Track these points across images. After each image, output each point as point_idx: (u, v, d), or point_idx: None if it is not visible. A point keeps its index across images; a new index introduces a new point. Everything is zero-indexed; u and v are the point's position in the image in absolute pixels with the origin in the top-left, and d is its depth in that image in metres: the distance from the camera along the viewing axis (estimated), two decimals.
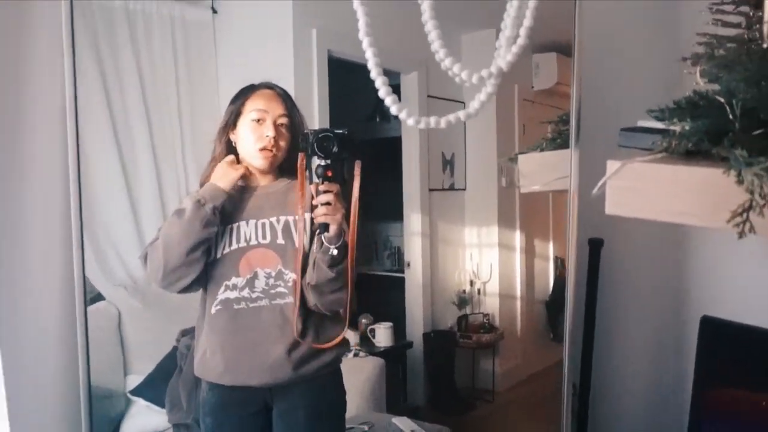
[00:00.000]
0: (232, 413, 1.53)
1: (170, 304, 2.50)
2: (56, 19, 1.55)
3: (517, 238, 3.11)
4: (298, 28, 2.61)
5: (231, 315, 1.48)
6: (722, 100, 0.86)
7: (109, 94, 2.35)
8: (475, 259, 3.14)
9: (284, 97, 1.54)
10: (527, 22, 1.05)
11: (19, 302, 1.60)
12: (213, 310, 1.49)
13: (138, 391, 2.19)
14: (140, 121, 2.44)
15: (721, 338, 1.13)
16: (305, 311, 1.48)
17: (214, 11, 2.60)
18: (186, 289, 1.52)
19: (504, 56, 1.07)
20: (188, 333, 2.36)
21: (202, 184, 1.57)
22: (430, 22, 1.02)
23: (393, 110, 1.08)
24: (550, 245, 3.14)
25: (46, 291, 1.65)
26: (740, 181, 0.77)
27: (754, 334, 1.08)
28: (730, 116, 0.85)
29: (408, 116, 1.07)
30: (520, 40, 1.04)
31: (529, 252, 3.11)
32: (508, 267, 3.10)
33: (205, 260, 1.48)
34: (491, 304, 3.08)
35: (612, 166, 0.89)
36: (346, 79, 2.74)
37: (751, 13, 0.98)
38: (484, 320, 3.05)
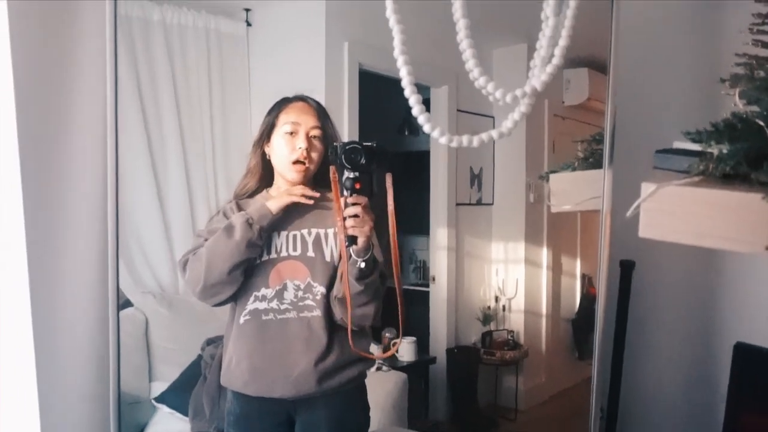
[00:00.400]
0: (255, 425, 1.53)
1: (196, 313, 2.52)
2: (100, 32, 1.57)
3: (544, 254, 3.08)
4: (331, 41, 2.63)
5: (259, 325, 1.47)
6: (761, 123, 0.85)
7: (144, 105, 2.39)
8: (501, 275, 3.12)
9: (317, 109, 1.54)
10: (563, 41, 1.04)
11: (54, 308, 1.63)
12: (242, 320, 1.49)
13: (162, 398, 2.21)
14: (173, 132, 2.49)
15: (755, 365, 1.10)
16: (332, 324, 1.47)
17: (248, 24, 2.64)
18: (221, 303, 1.53)
19: (538, 76, 1.07)
20: (213, 342, 2.38)
21: (236, 196, 1.58)
22: (466, 41, 1.02)
23: (426, 129, 1.08)
24: (578, 263, 3.10)
25: (80, 297, 1.67)
26: None
27: None
28: None
29: (441, 134, 1.07)
30: (555, 60, 1.03)
31: (556, 269, 3.08)
32: (534, 284, 3.07)
33: (243, 277, 1.49)
34: (516, 321, 3.05)
35: (647, 188, 0.88)
36: (376, 92, 2.75)
37: None
38: (509, 337, 3.02)
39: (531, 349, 3.03)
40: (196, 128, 2.57)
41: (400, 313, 1.41)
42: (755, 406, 1.11)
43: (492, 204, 3.22)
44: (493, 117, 3.27)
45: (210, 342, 2.34)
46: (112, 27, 1.45)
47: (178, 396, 2.22)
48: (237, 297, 1.51)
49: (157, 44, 2.42)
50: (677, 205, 0.87)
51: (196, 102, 2.59)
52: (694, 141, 0.93)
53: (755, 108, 0.92)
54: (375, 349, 2.51)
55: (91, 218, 1.68)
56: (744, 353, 1.11)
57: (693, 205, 0.85)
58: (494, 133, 1.12)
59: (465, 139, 1.10)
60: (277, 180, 1.55)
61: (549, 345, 3.08)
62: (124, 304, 2.32)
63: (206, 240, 1.49)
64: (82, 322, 1.68)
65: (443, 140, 1.09)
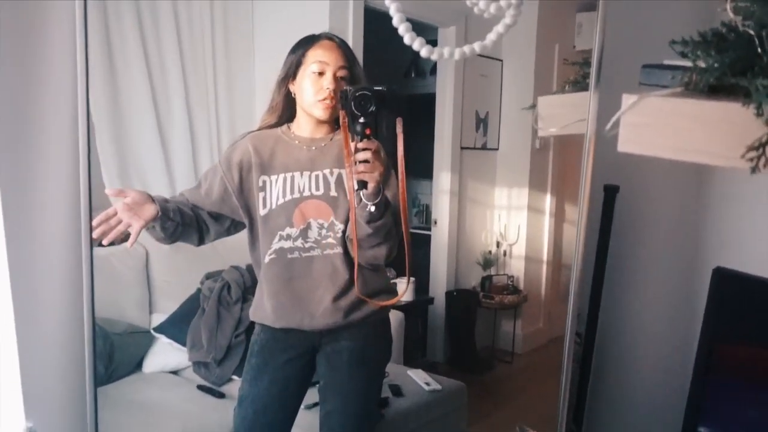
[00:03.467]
0: (278, 354, 1.56)
1: (196, 248, 2.55)
2: None
3: (548, 201, 3.06)
4: None
5: (285, 264, 1.49)
6: (752, 32, 0.81)
7: (146, 46, 2.37)
8: (503, 221, 3.11)
9: (344, 49, 1.51)
10: None
11: (30, 241, 1.62)
12: (266, 259, 1.50)
13: (161, 329, 2.25)
14: (176, 72, 2.46)
15: (733, 291, 1.08)
16: (352, 262, 1.48)
17: None
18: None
19: None
20: (212, 276, 2.41)
21: (260, 129, 1.58)
22: None
23: (406, 39, 1.05)
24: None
25: (58, 229, 1.66)
26: (759, 114, 0.72)
27: (766, 287, 1.03)
28: (759, 50, 0.80)
29: (420, 45, 1.04)
30: None
31: (559, 216, 3.06)
32: (536, 230, 3.06)
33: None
34: (516, 267, 3.06)
35: (627, 100, 0.85)
36: (382, 32, 2.69)
37: None
38: (509, 282, 3.03)
39: (530, 295, 3.04)
40: (199, 67, 2.56)
41: (407, 256, 1.42)
42: (731, 332, 1.10)
43: (497, 149, 3.18)
44: (501, 60, 3.21)
45: (209, 276, 2.36)
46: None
47: (176, 327, 2.25)
48: (261, 236, 1.52)
49: None
50: (657, 118, 0.84)
51: (200, 41, 2.56)
52: (682, 54, 0.89)
53: (749, 21, 0.88)
54: None
55: (63, 150, 1.65)
56: (723, 278, 1.09)
57: (673, 118, 0.82)
58: (476, 46, 1.09)
59: (446, 50, 1.07)
60: (300, 116, 1.55)
61: (548, 291, 3.09)
62: (125, 237, 2.35)
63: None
64: (60, 254, 1.67)
65: (424, 52, 1.06)
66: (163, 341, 2.24)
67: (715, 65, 0.81)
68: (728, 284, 1.09)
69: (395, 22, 1.00)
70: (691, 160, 0.82)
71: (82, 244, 1.63)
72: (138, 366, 2.19)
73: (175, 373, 2.23)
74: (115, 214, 1.39)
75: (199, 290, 2.35)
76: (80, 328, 1.68)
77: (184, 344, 2.22)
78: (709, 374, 1.12)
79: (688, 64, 0.89)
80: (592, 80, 1.09)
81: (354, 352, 1.53)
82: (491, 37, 1.03)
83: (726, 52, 0.82)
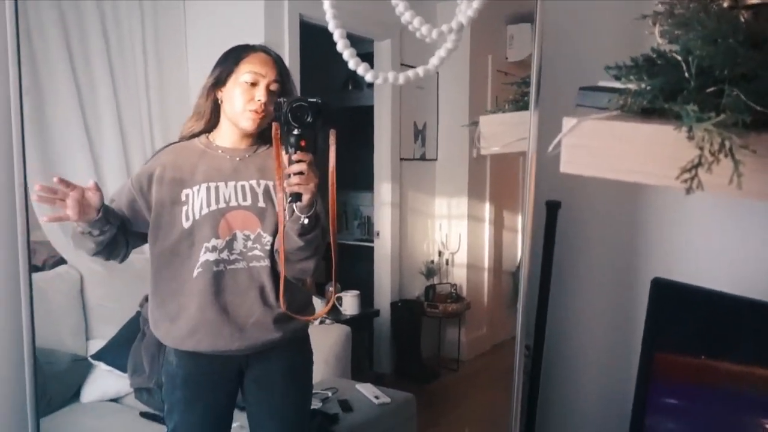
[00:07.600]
0: (207, 382, 1.51)
1: (133, 269, 2.46)
2: None
3: (487, 209, 3.12)
4: None
5: (211, 277, 1.44)
6: (679, 57, 0.86)
7: (73, 57, 2.28)
8: (444, 230, 3.15)
9: (279, 63, 1.51)
10: None
11: None
12: (195, 273, 1.46)
13: (100, 356, 2.17)
14: (106, 82, 2.38)
15: (670, 300, 1.14)
16: (278, 276, 1.46)
17: None
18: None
19: (465, 11, 1.06)
20: None
21: (181, 138, 1.55)
22: None
23: (351, 64, 1.06)
24: (519, 217, 3.16)
25: None
26: (690, 137, 0.77)
27: (704, 296, 1.09)
28: (686, 74, 0.84)
29: (366, 71, 1.05)
30: None
31: (498, 223, 3.13)
32: (477, 238, 3.12)
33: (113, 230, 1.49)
34: (459, 275, 3.10)
35: (567, 123, 0.89)
36: (318, 45, 2.69)
37: None
38: (452, 290, 3.07)
39: (473, 302, 3.09)
40: (129, 78, 2.48)
41: (334, 265, 1.42)
42: (670, 341, 1.15)
43: (436, 159, 3.23)
44: (437, 72, 3.26)
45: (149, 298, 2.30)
46: None
47: (116, 353, 2.18)
48: (183, 250, 1.47)
49: None
50: (596, 140, 0.88)
51: (130, 52, 2.48)
52: (615, 77, 0.93)
53: (675, 46, 0.93)
54: (318, 304, 2.52)
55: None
56: (661, 288, 1.14)
57: (610, 140, 0.86)
58: (420, 70, 1.11)
59: (391, 75, 1.08)
60: (224, 125, 1.52)
61: (490, 297, 3.15)
62: (57, 261, 2.25)
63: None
64: None
65: (369, 77, 1.08)
66: (101, 368, 2.16)
67: (647, 89, 0.86)
68: (666, 293, 1.14)
69: (340, 47, 1.01)
70: (627, 179, 0.86)
71: (20, 273, 1.57)
72: (75, 396, 2.11)
73: (115, 401, 2.16)
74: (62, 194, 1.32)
75: (138, 313, 2.27)
76: (20, 358, 1.61)
77: (124, 370, 2.14)
78: (651, 379, 1.17)
79: (621, 85, 0.94)
80: (531, 101, 1.13)
81: (284, 372, 1.52)
82: (434, 61, 1.05)
83: (656, 77, 0.86)
